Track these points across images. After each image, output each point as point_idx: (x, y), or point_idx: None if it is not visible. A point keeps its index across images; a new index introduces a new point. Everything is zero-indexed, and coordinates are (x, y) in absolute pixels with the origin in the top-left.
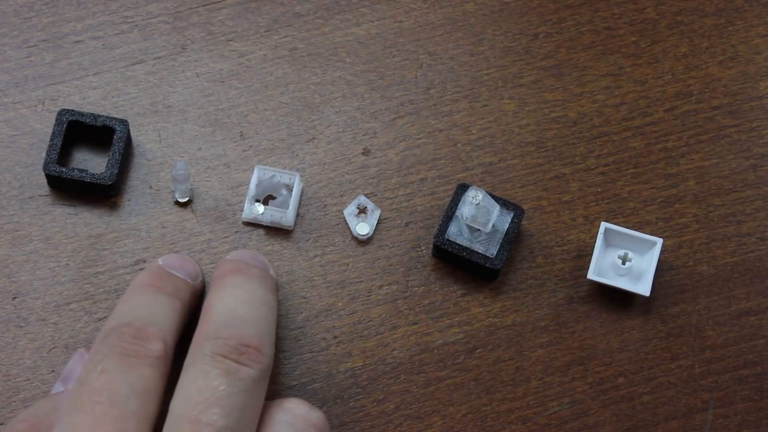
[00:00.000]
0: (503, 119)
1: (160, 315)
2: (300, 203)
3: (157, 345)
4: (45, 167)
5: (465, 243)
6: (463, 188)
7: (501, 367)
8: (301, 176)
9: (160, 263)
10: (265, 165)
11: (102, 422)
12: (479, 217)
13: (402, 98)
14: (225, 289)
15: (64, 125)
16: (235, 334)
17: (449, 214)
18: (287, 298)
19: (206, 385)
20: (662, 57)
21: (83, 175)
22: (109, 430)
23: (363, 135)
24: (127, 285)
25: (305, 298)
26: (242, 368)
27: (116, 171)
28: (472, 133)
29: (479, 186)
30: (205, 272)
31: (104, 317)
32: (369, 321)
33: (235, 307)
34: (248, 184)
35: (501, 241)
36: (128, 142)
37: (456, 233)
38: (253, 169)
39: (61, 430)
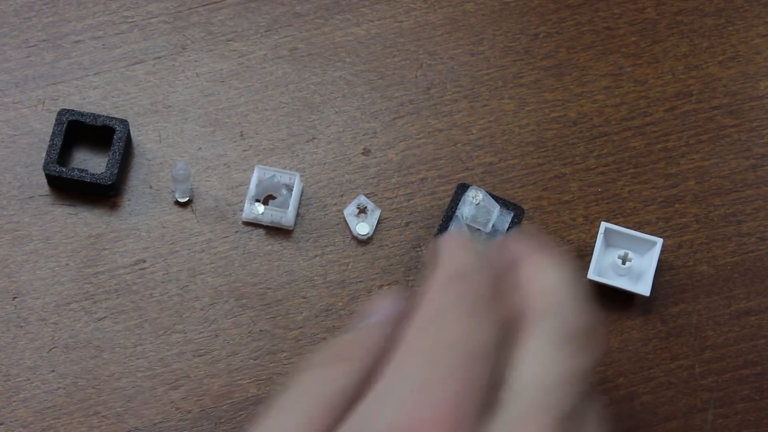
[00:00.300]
0: (503, 119)
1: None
2: (300, 203)
3: (508, 300)
4: (45, 167)
5: None
6: (463, 188)
7: None
8: (301, 176)
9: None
10: (265, 165)
11: (452, 376)
12: (479, 217)
13: (402, 98)
14: (547, 267)
15: (64, 125)
16: (573, 319)
17: (449, 214)
18: (287, 298)
19: (557, 367)
20: (662, 57)
21: (83, 175)
22: (457, 386)
23: (363, 135)
24: (127, 285)
25: (305, 298)
26: (587, 350)
27: (116, 171)
28: (472, 133)
29: (479, 186)
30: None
31: (104, 317)
32: None
33: (566, 288)
34: (248, 184)
35: None
36: (128, 142)
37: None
38: (253, 169)
39: (404, 373)
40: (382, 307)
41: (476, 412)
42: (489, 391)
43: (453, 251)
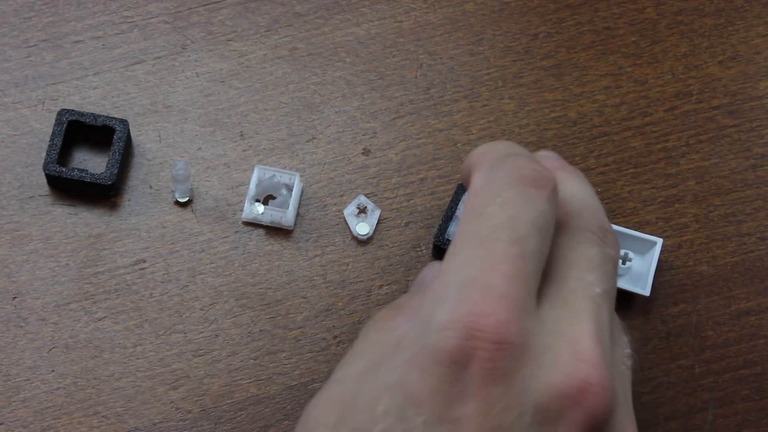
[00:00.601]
0: (503, 119)
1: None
2: (300, 203)
3: (552, 175)
4: (45, 167)
5: None
6: (463, 188)
7: None
8: (301, 176)
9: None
10: (265, 165)
11: (502, 260)
12: None
13: (402, 98)
14: (568, 178)
15: (64, 125)
16: (597, 218)
17: (449, 214)
18: (287, 298)
19: (592, 255)
20: (662, 57)
21: (83, 175)
22: (508, 269)
23: (363, 135)
24: (127, 285)
25: (305, 298)
26: (609, 244)
27: (116, 171)
28: (472, 133)
29: None
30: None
31: (104, 317)
32: None
33: (588, 196)
34: (248, 184)
35: None
36: (128, 142)
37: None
38: (253, 169)
39: (456, 264)
40: (431, 272)
41: (527, 295)
42: (539, 272)
43: (491, 146)
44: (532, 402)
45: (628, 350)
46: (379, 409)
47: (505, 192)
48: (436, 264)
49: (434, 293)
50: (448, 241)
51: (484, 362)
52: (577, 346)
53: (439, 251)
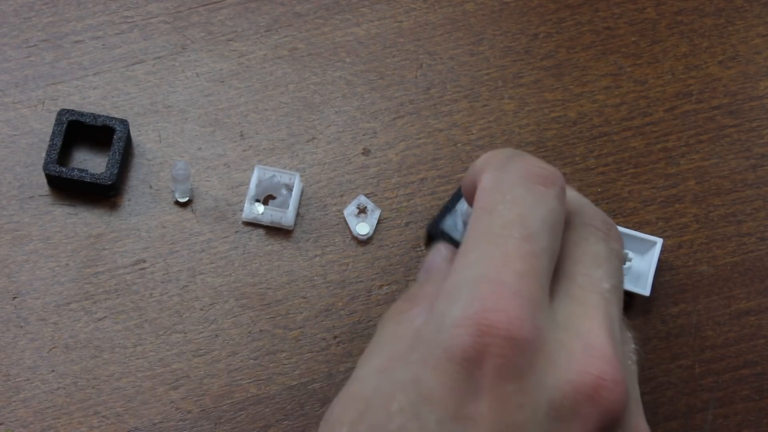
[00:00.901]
0: (503, 119)
1: None
2: (300, 203)
3: (560, 174)
4: (45, 167)
5: (458, 238)
6: None
7: None
8: (301, 176)
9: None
10: (265, 165)
11: (514, 257)
12: None
13: (402, 98)
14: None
15: (64, 125)
16: (598, 213)
17: (449, 206)
18: (287, 298)
19: (599, 251)
20: (662, 57)
21: (83, 175)
22: (520, 266)
23: (363, 135)
24: (127, 285)
25: (305, 298)
26: (614, 238)
27: (116, 171)
28: (472, 133)
29: None
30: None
31: (104, 317)
32: (369, 321)
33: (583, 197)
34: (248, 184)
35: None
36: (128, 142)
37: (452, 226)
38: (253, 169)
39: (468, 262)
40: (438, 257)
41: (540, 292)
42: (550, 269)
43: (496, 151)
44: (546, 399)
45: (632, 345)
46: (394, 407)
47: (515, 190)
48: (441, 247)
49: (447, 291)
50: (443, 232)
51: (496, 359)
52: (589, 341)
53: (430, 240)
